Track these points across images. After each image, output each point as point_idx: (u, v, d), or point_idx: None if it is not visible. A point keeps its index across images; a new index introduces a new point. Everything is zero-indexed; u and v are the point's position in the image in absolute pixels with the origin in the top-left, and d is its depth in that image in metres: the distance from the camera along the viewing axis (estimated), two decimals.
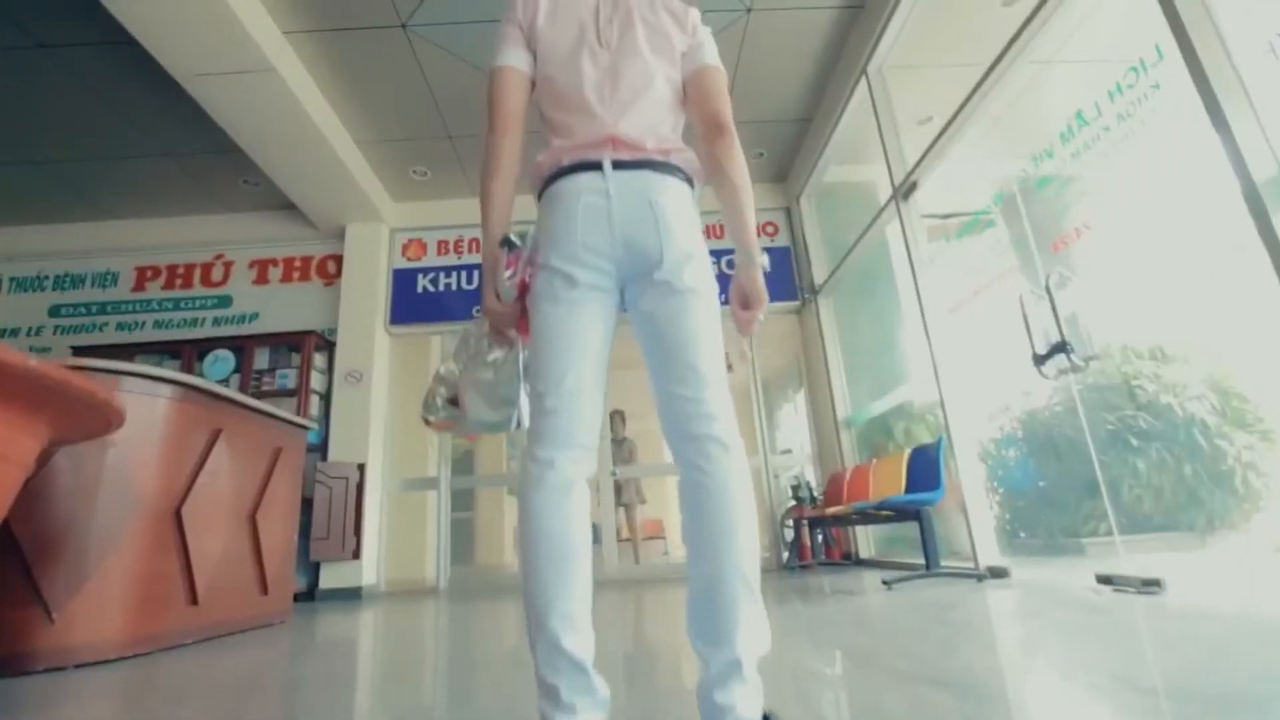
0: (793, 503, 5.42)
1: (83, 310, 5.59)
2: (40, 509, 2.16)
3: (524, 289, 1.15)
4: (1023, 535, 4.73)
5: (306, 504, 4.71)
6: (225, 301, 5.65)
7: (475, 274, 5.75)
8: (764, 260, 1.14)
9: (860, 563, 4.96)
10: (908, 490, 3.57)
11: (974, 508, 3.42)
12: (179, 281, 5.69)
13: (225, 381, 5.06)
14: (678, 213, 1.08)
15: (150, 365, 4.86)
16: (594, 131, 1.10)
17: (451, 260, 5.79)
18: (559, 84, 1.14)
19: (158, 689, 1.93)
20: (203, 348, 5.16)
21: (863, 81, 4.19)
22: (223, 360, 5.08)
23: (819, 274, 5.55)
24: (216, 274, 5.72)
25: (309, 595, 4.77)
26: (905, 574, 3.17)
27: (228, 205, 5.68)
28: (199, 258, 5.76)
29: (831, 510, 3.95)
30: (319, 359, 5.29)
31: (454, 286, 5.72)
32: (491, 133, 1.14)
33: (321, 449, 5.15)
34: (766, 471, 5.63)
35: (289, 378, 5.11)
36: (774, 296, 5.61)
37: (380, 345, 5.47)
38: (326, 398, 5.30)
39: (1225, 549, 4.00)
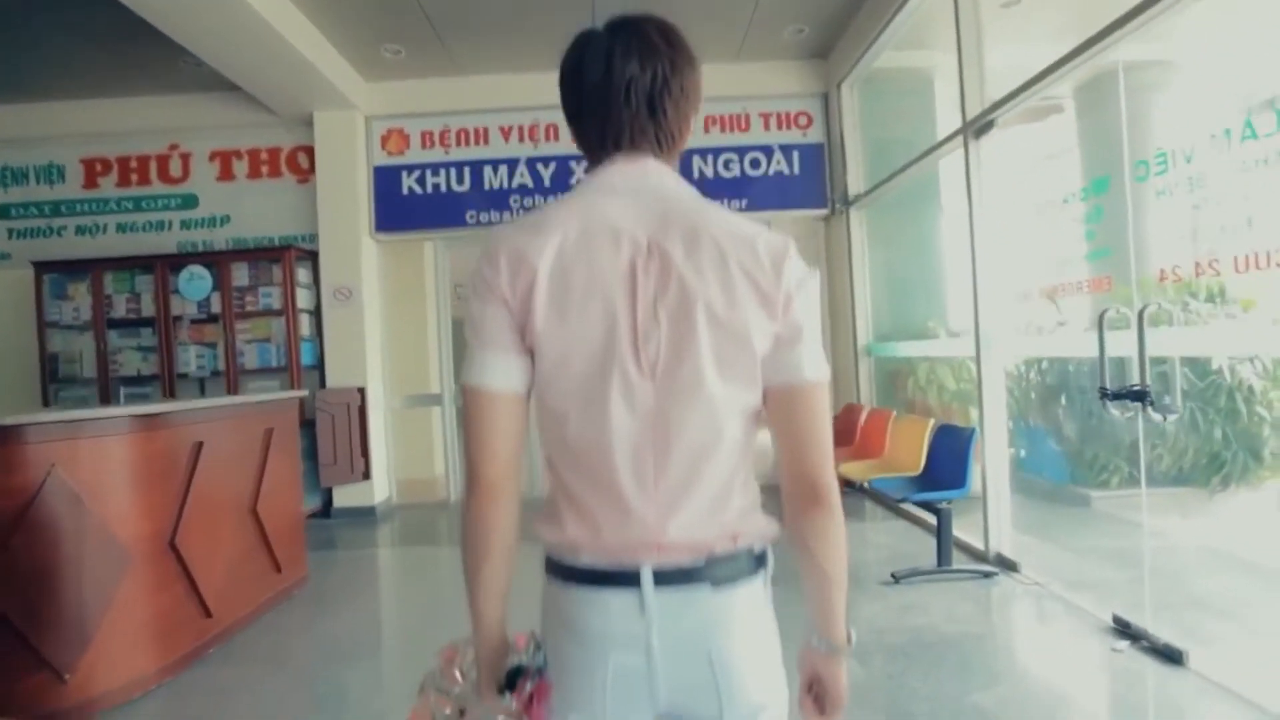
0: None
1: (34, 211, 5.06)
2: (21, 583, 2.04)
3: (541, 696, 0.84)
4: (1030, 475, 4.74)
5: (310, 426, 4.66)
6: (191, 201, 5.08)
7: (467, 171, 5.10)
8: (852, 644, 0.84)
9: (863, 490, 5.02)
10: (927, 471, 3.46)
11: (994, 495, 3.33)
12: (134, 177, 5.07)
13: (205, 302, 4.72)
14: (747, 653, 0.77)
15: (122, 282, 4.53)
16: (628, 533, 0.74)
17: (438, 156, 5.10)
18: (570, 431, 0.74)
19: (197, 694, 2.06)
20: (175, 263, 4.73)
21: None
22: (199, 278, 4.69)
23: (855, 182, 4.90)
24: (175, 168, 5.07)
25: (324, 513, 4.92)
26: (915, 571, 3.15)
27: (171, 85, 4.84)
28: (152, 148, 5.07)
29: (844, 470, 3.87)
30: (302, 273, 4.89)
31: (443, 187, 5.11)
32: (472, 494, 0.75)
33: (319, 369, 4.97)
34: None
35: (273, 296, 4.76)
36: (800, 203, 5.10)
37: (368, 255, 5.03)
38: (316, 313, 4.99)
39: (1233, 506, 4.01)
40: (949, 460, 3.30)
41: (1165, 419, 2.28)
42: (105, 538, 2.21)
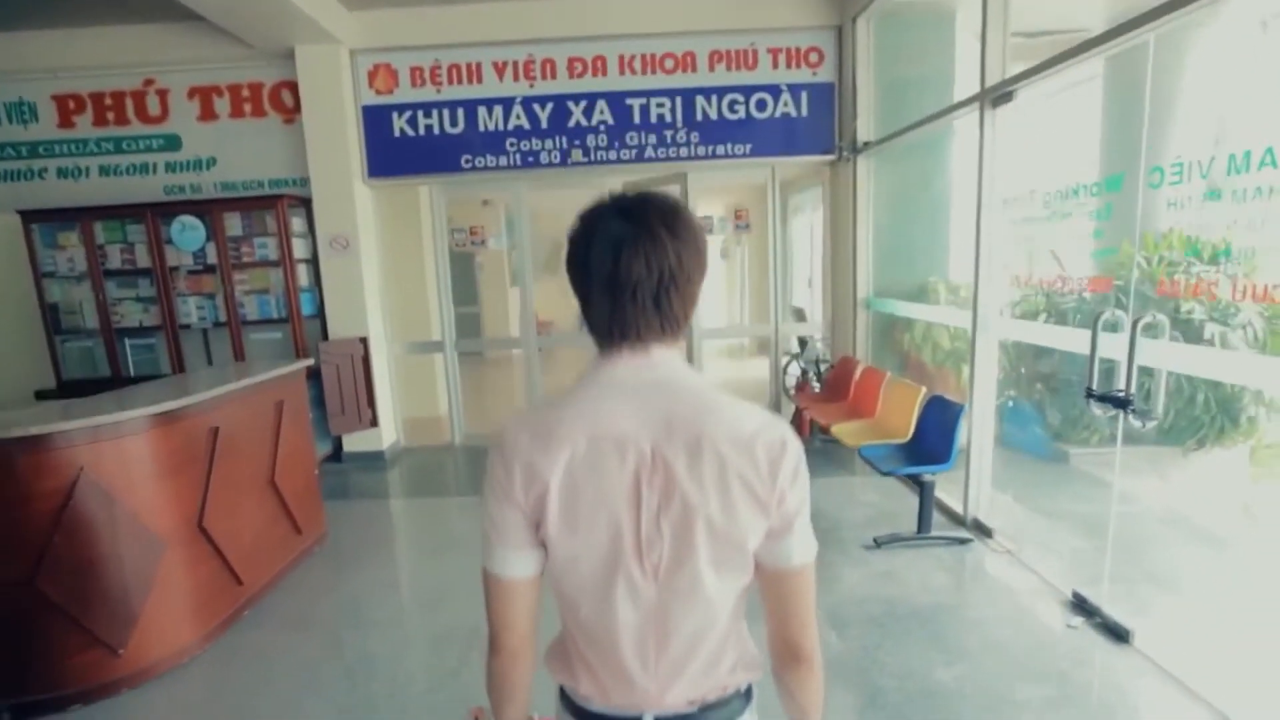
0: (800, 371, 5.48)
1: (11, 153, 4.86)
2: (67, 575, 2.21)
3: None
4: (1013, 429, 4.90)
5: (316, 376, 4.75)
6: (173, 143, 4.88)
7: (460, 112, 4.88)
8: None
9: None
10: (915, 440, 3.60)
11: (976, 466, 3.49)
12: (111, 116, 4.84)
13: (201, 252, 4.67)
14: None
15: (113, 231, 4.46)
16: (631, 698, 0.84)
17: (429, 95, 4.85)
18: (581, 615, 0.84)
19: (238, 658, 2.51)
20: (165, 211, 4.63)
21: None
22: (191, 228, 4.60)
23: (864, 128, 4.71)
24: (153, 106, 4.83)
25: (335, 457, 5.13)
26: (896, 537, 3.37)
27: (141, 13, 4.51)
28: (126, 84, 4.80)
29: (837, 432, 4.01)
30: (297, 222, 4.80)
31: (436, 129, 4.91)
32: (495, 656, 0.86)
33: (320, 319, 5.00)
34: (776, 335, 5.54)
35: (269, 247, 4.71)
36: (806, 147, 5.01)
37: (362, 202, 4.91)
38: (314, 263, 4.95)
39: (1204, 465, 4.20)
40: (937, 433, 3.44)
41: (1144, 425, 2.37)
42: (139, 528, 2.36)
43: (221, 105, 4.84)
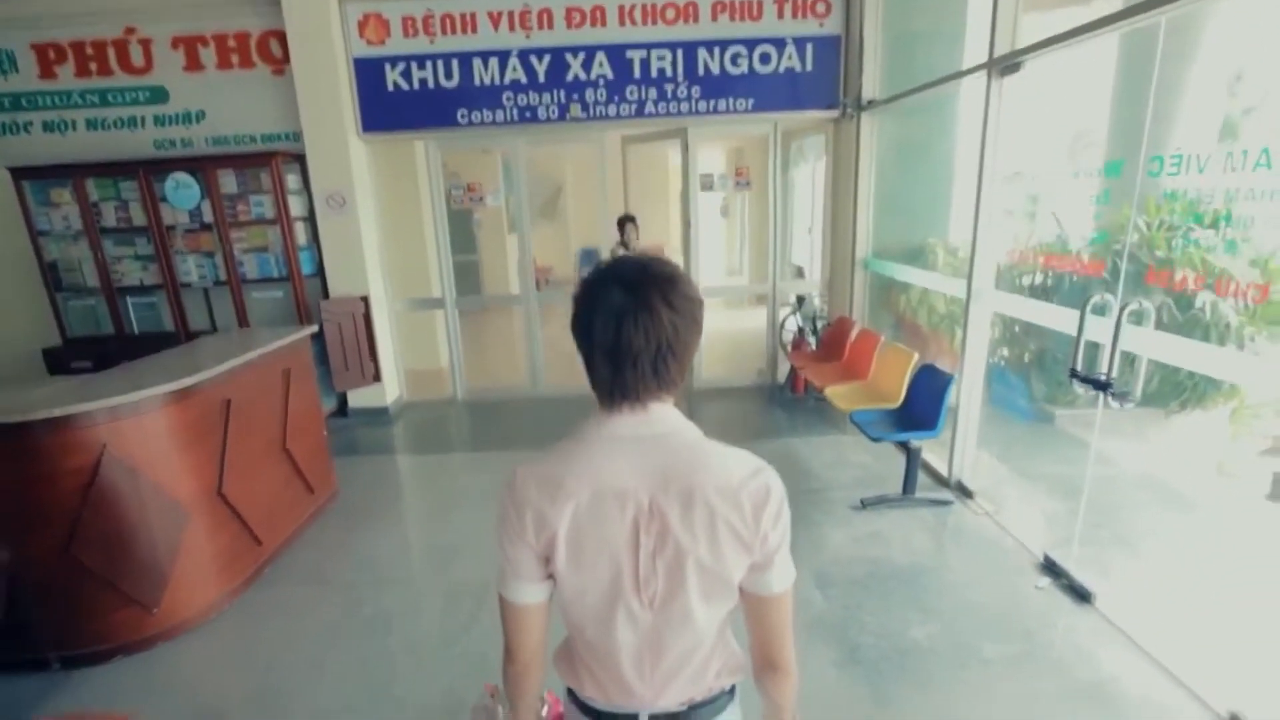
0: (797, 328, 5.54)
1: None
2: (100, 545, 2.34)
3: None
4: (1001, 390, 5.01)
5: (318, 333, 4.82)
6: (160, 95, 4.76)
7: (455, 65, 4.74)
8: None
9: None
10: (905, 406, 3.72)
11: (963, 432, 3.62)
12: (94, 66, 4.69)
13: (196, 211, 4.64)
14: None
15: (106, 189, 4.43)
16: (629, 701, 0.97)
17: (423, 46, 4.70)
18: (587, 635, 0.95)
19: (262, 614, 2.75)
20: (157, 169, 4.56)
21: None
22: (185, 186, 4.55)
23: (870, 84, 4.61)
24: (136, 56, 4.68)
25: (341, 412, 5.25)
26: (882, 498, 3.53)
27: None
28: (107, 31, 4.63)
29: (830, 394, 4.12)
30: (292, 179, 4.75)
31: (430, 82, 4.78)
32: (510, 665, 0.98)
33: (320, 277, 5.02)
34: (774, 294, 5.58)
35: (264, 205, 4.68)
36: (810, 102, 4.95)
37: (357, 158, 4.84)
38: (311, 220, 4.92)
39: (1184, 426, 4.35)
40: (926, 400, 3.55)
41: (1121, 406, 2.47)
42: (163, 499, 2.49)
43: (207, 56, 4.69)
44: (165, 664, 2.49)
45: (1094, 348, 2.61)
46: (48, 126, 4.80)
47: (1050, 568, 2.85)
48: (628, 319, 0.84)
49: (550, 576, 0.93)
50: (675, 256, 10.65)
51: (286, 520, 3.26)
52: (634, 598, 0.90)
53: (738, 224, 9.83)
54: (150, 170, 4.55)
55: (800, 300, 5.67)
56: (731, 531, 0.88)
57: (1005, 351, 4.92)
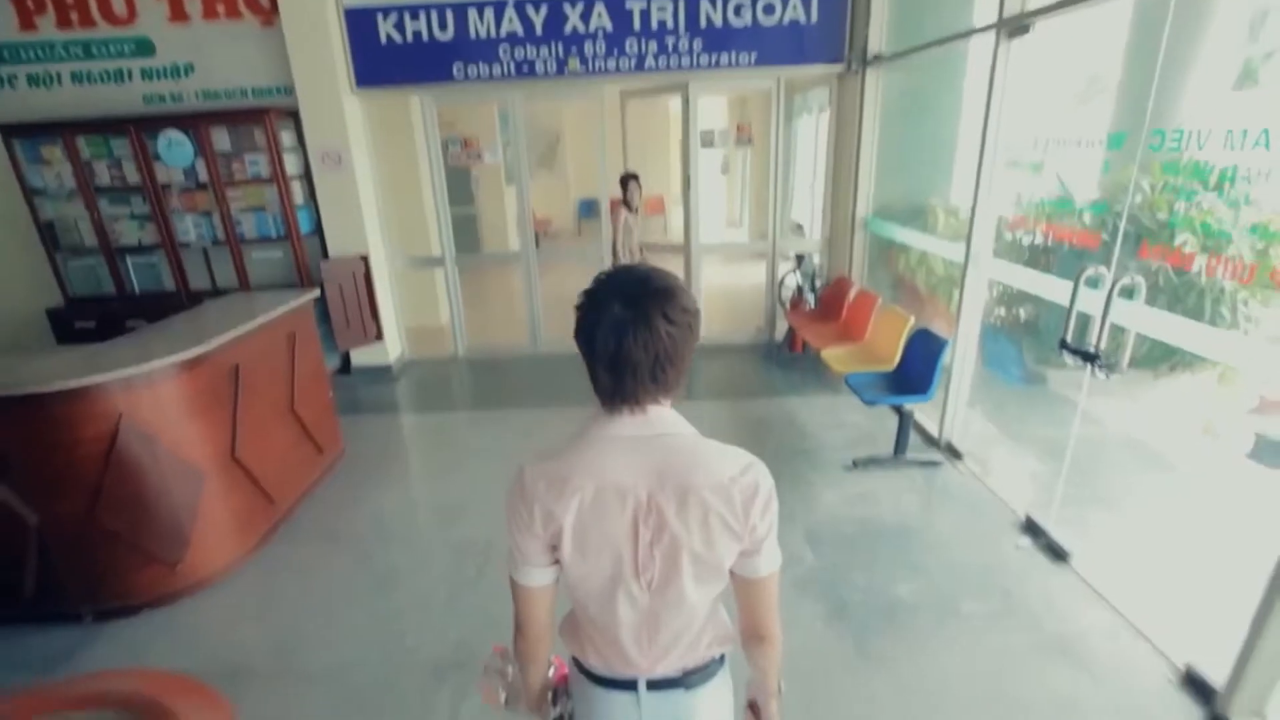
0: (796, 286, 5.56)
1: None
2: (122, 509, 2.45)
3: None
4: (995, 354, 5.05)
5: (319, 292, 4.85)
6: (146, 48, 4.63)
7: (449, 15, 4.59)
8: (781, 693, 1.21)
9: None
10: (899, 369, 3.79)
11: (954, 395, 3.70)
12: (75, 16, 4.54)
13: (191, 169, 4.58)
14: None
15: (97, 146, 4.37)
16: (629, 669, 1.06)
17: None
18: (591, 612, 1.04)
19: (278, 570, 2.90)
20: (149, 127, 4.49)
21: None
22: (178, 144, 4.49)
23: (876, 38, 4.48)
24: (119, 6, 4.53)
25: (344, 369, 5.33)
26: (873, 459, 3.64)
27: None
28: None
29: (825, 354, 4.18)
30: (286, 137, 4.67)
31: (424, 34, 4.64)
32: (522, 639, 1.08)
33: (318, 236, 5.01)
34: (774, 252, 5.57)
35: (260, 164, 4.62)
36: (814, 56, 4.87)
37: (352, 114, 4.75)
38: (308, 178, 4.87)
39: (1171, 389, 4.43)
40: (920, 364, 3.61)
41: (1108, 378, 2.54)
42: (180, 464, 2.58)
43: (193, 5, 4.53)
44: (190, 617, 2.64)
45: (1086, 318, 2.66)
46: (32, 80, 4.68)
47: (1031, 528, 2.98)
48: (628, 333, 0.90)
49: (557, 562, 1.01)
50: (675, 209, 10.57)
51: (297, 480, 3.37)
52: (633, 582, 0.99)
53: (738, 181, 9.67)
54: (142, 127, 4.47)
55: (800, 259, 5.66)
56: (723, 524, 0.96)
57: (1001, 311, 4.96)
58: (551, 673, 1.26)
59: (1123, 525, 3.16)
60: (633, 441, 0.96)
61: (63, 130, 4.45)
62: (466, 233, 6.90)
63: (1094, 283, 2.59)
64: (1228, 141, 1.97)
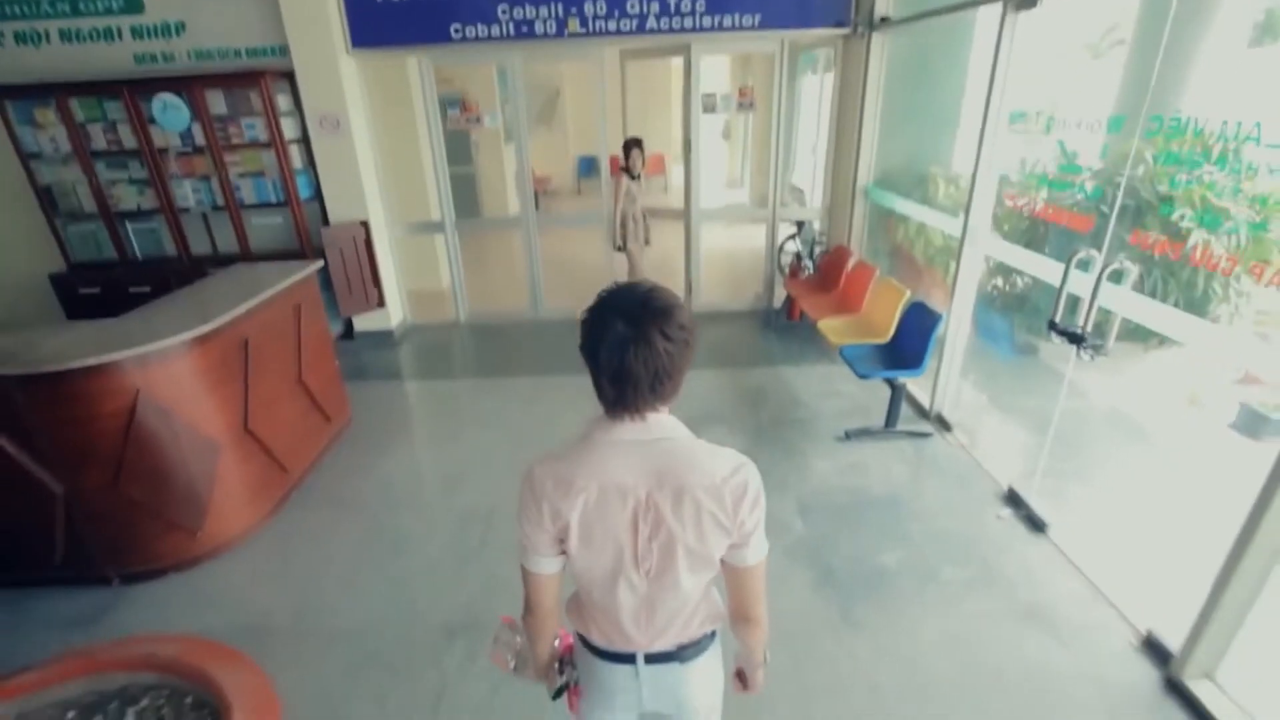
0: (795, 253, 5.58)
1: None
2: (144, 480, 2.56)
3: (576, 693, 1.36)
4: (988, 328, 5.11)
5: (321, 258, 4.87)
6: (134, 5, 4.52)
7: None
8: (767, 662, 1.33)
9: None
10: (894, 342, 3.86)
11: (947, 368, 3.78)
12: None
13: (187, 133, 4.54)
14: (700, 692, 1.25)
15: (91, 109, 4.32)
16: (629, 645, 1.18)
17: None
18: (594, 596, 1.14)
19: (292, 535, 3.03)
20: (143, 90, 4.42)
21: None
22: (174, 108, 4.43)
23: (885, 1, 4.38)
24: None
25: (348, 334, 5.40)
26: (865, 430, 3.75)
27: None
28: None
29: (822, 325, 4.24)
30: (283, 100, 4.61)
31: None
32: (532, 616, 1.18)
33: (318, 202, 5.00)
34: (774, 219, 5.56)
35: (257, 128, 4.57)
36: (819, 19, 4.82)
37: (349, 76, 4.67)
38: (305, 142, 4.83)
39: (1158, 361, 4.52)
40: (914, 337, 3.68)
41: (1092, 358, 2.61)
42: (196, 436, 2.68)
43: None
44: (211, 580, 2.79)
45: (1076, 300, 2.72)
46: (20, 38, 4.58)
47: (1013, 499, 3.11)
48: (629, 350, 0.97)
49: (563, 552, 1.11)
50: (675, 168, 10.42)
51: (307, 448, 3.49)
52: (633, 571, 1.09)
53: (740, 147, 9.51)
54: (135, 90, 4.40)
55: (800, 225, 5.66)
56: (714, 520, 1.05)
57: (998, 281, 5.00)
58: (557, 644, 1.38)
59: (1100, 497, 3.29)
60: (633, 445, 1.04)
61: (55, 92, 4.39)
62: (465, 195, 6.84)
63: (1085, 265, 2.64)
64: (1222, 131, 1.99)
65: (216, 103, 4.49)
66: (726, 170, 11.37)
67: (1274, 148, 2.01)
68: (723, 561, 1.14)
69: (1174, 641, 2.19)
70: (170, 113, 4.44)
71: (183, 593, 2.71)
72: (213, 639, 1.73)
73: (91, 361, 2.32)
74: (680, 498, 1.04)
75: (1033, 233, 4.12)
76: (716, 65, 8.65)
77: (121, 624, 2.53)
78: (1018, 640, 2.34)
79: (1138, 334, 4.46)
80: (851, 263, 4.82)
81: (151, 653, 1.63)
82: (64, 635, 2.45)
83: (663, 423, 1.07)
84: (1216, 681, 2.08)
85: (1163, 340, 4.44)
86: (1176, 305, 4.32)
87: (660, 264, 6.36)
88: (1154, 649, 2.25)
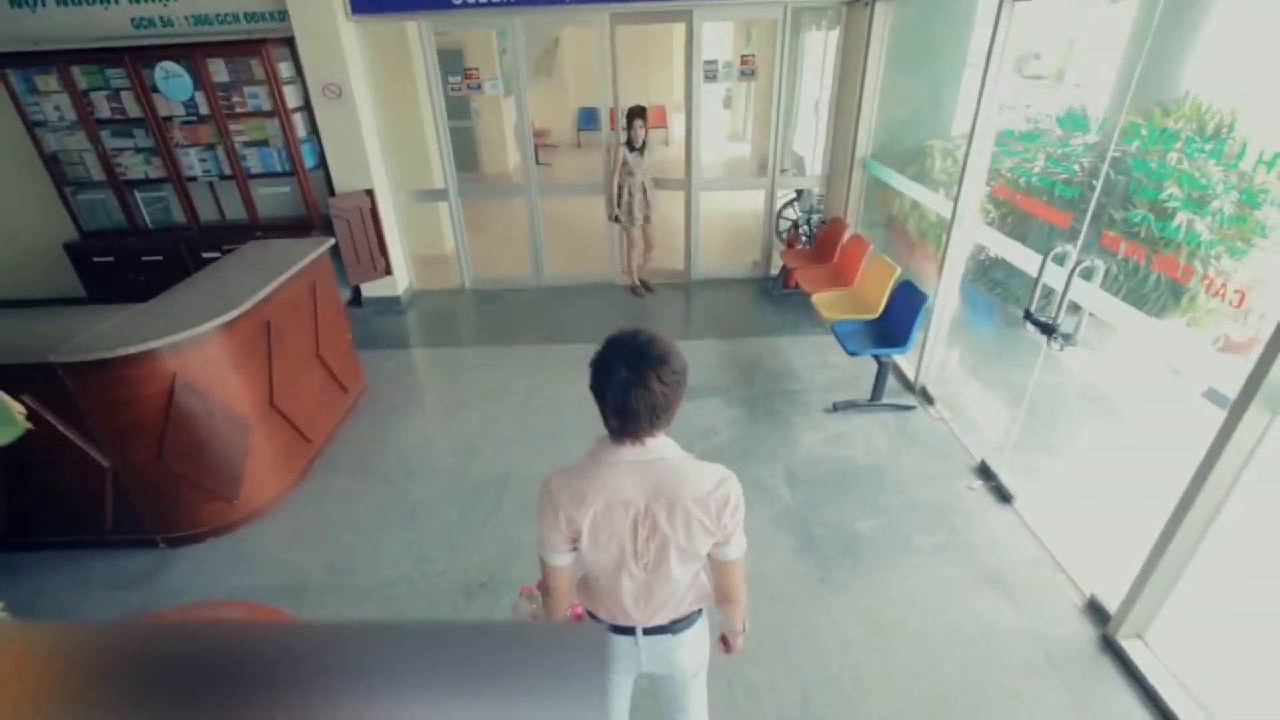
0: (793, 221, 5.68)
1: None
2: (184, 455, 2.78)
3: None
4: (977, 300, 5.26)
5: (328, 226, 4.99)
6: None
7: None
8: (746, 631, 1.58)
9: None
10: (883, 317, 4.04)
11: (932, 344, 3.97)
12: None
13: (191, 102, 4.57)
14: (691, 655, 1.50)
15: (93, 77, 4.36)
16: (629, 621, 1.42)
17: None
18: (600, 584, 1.37)
19: (319, 501, 3.26)
20: (144, 57, 4.42)
21: None
22: (175, 76, 4.45)
23: None
24: None
25: (355, 301, 5.55)
26: (851, 403, 3.96)
27: None
28: None
29: (815, 299, 4.40)
30: (284, 69, 4.62)
31: None
32: (550, 597, 1.42)
33: (323, 171, 5.06)
34: (773, 187, 5.64)
35: (259, 96, 4.60)
36: None
37: (349, 43, 4.66)
38: (308, 110, 4.86)
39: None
40: (902, 315, 3.86)
41: (1061, 348, 2.80)
42: (229, 414, 2.90)
43: None
44: (249, 542, 3.06)
45: (1050, 290, 2.89)
46: (15, 1, 4.54)
47: (984, 471, 3.36)
48: (631, 392, 1.17)
49: (575, 549, 1.34)
50: (676, 117, 10.25)
51: (327, 419, 3.71)
52: (633, 564, 1.32)
53: (741, 116, 9.37)
54: (137, 58, 4.41)
55: (799, 193, 5.73)
56: (701, 525, 1.28)
57: (985, 255, 5.13)
58: (569, 614, 1.63)
59: (1065, 469, 3.54)
60: (634, 465, 1.26)
61: (55, 59, 4.39)
62: (465, 151, 6.83)
63: (1060, 260, 2.80)
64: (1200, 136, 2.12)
65: (219, 71, 4.51)
66: (729, 127, 11.22)
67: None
68: (709, 557, 1.37)
69: (1114, 604, 2.46)
70: (173, 81, 4.46)
71: (224, 554, 2.98)
72: (257, 599, 1.98)
73: (134, 350, 2.50)
74: (673, 507, 1.26)
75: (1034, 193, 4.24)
76: (719, 29, 8.44)
77: (172, 582, 2.81)
78: (975, 602, 2.62)
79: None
80: (847, 235, 4.94)
81: (215, 616, 1.88)
82: (125, 595, 2.73)
83: (659, 445, 1.28)
84: (1145, 640, 2.37)
85: (1148, 314, 4.64)
86: (1158, 281, 4.50)
87: (661, 233, 6.43)
88: (1095, 610, 2.53)
